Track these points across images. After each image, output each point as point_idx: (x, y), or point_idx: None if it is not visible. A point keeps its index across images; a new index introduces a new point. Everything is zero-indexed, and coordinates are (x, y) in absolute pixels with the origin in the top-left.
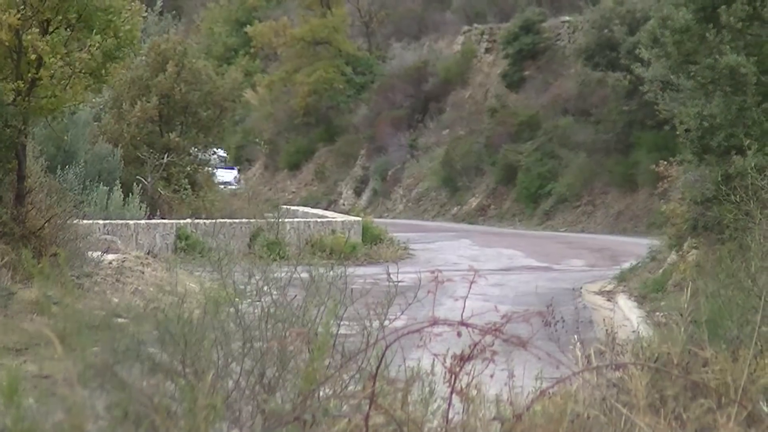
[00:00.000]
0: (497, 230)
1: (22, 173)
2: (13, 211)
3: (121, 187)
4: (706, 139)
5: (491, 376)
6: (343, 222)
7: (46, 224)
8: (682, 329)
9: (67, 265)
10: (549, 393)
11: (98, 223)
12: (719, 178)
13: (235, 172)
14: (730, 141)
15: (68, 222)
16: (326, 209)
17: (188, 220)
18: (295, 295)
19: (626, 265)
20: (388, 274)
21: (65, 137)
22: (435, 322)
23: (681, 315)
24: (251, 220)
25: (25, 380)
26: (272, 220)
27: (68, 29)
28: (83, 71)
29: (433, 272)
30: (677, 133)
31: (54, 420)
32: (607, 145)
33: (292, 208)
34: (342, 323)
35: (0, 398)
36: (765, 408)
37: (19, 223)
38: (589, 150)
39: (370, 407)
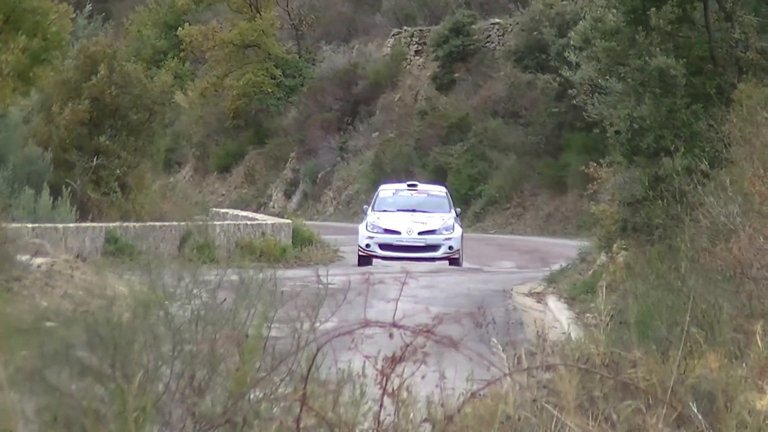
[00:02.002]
0: None
1: None
2: None
3: (50, 191)
4: (636, 140)
5: (422, 377)
6: (273, 224)
7: None
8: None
9: None
10: (480, 394)
11: (27, 227)
12: (648, 180)
13: None
14: (660, 143)
15: None
16: (256, 212)
17: (118, 224)
18: (225, 298)
19: (556, 267)
20: (318, 277)
21: None
22: (366, 324)
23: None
24: (181, 223)
25: None
26: (202, 223)
27: None
28: (10, 73)
29: (363, 274)
30: (607, 135)
31: None
32: (537, 147)
33: (222, 210)
34: (272, 325)
35: None
36: (694, 408)
37: None
38: (519, 152)
39: (301, 409)
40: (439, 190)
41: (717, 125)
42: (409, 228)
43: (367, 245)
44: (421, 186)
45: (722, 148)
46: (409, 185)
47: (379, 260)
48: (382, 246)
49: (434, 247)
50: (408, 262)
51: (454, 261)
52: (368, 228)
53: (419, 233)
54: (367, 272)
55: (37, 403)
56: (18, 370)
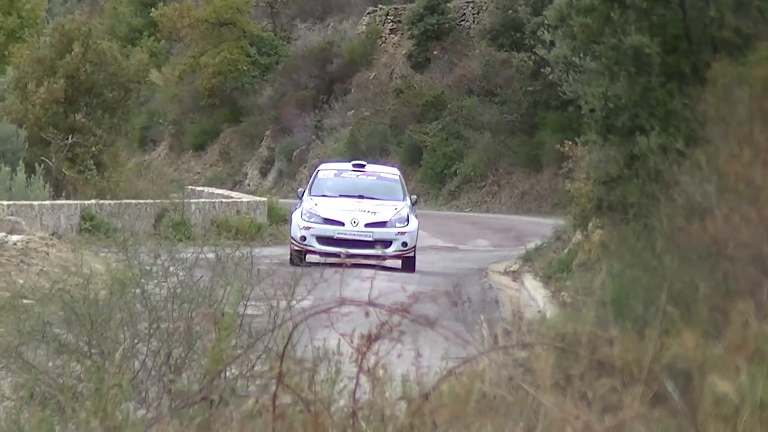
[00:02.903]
0: None
1: None
2: None
3: (25, 168)
4: (611, 119)
5: (398, 356)
6: (248, 202)
7: None
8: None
9: None
10: (456, 373)
11: (2, 204)
12: (623, 159)
13: None
14: (635, 121)
15: None
16: (232, 190)
17: (93, 201)
18: (201, 276)
19: (531, 245)
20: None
21: None
22: (342, 303)
23: (587, 294)
24: (157, 201)
25: None
26: (177, 200)
27: None
28: None
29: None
30: (582, 113)
31: None
32: (512, 125)
33: (198, 188)
34: (248, 303)
35: None
36: (670, 387)
37: None
38: (494, 130)
39: (277, 387)
40: (392, 173)
41: (692, 104)
42: (354, 218)
43: (303, 237)
44: (369, 167)
45: (698, 126)
46: (354, 165)
47: (315, 256)
48: (321, 239)
49: (385, 243)
50: (352, 259)
51: (407, 261)
52: (303, 216)
53: (366, 225)
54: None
55: (14, 380)
56: None
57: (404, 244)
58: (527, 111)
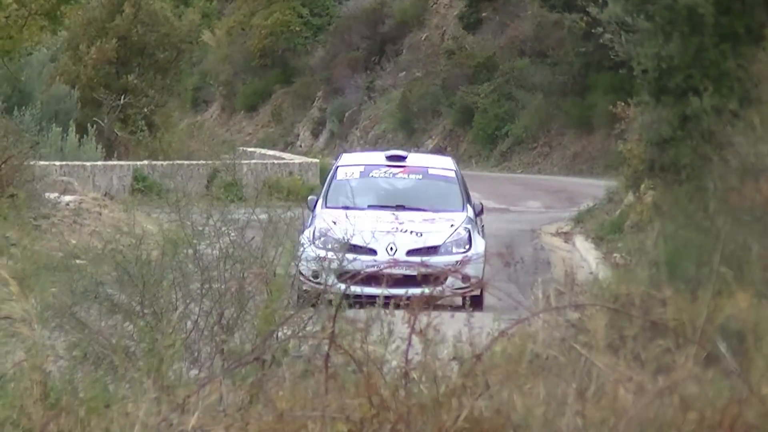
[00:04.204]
0: None
1: None
2: None
3: (77, 129)
4: (663, 80)
5: (451, 316)
6: (300, 164)
7: (2, 165)
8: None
9: (25, 207)
10: (508, 334)
11: (55, 165)
12: (676, 120)
13: None
14: (688, 82)
15: (25, 163)
16: (283, 151)
17: (145, 162)
18: (253, 237)
19: (583, 207)
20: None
21: (21, 78)
22: (394, 264)
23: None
24: (208, 162)
25: None
26: (229, 161)
27: None
28: (38, 13)
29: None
30: (634, 74)
31: (14, 360)
32: (564, 86)
33: (249, 149)
34: (300, 264)
35: None
36: (723, 348)
37: None
38: (546, 92)
39: (329, 347)
40: (445, 167)
41: (746, 65)
42: (390, 243)
43: (315, 274)
44: (412, 158)
45: (752, 87)
46: (390, 158)
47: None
48: (343, 276)
49: (437, 280)
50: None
51: (474, 300)
52: (316, 241)
53: (409, 253)
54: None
55: (68, 339)
56: (48, 307)
57: (466, 278)
58: (579, 72)
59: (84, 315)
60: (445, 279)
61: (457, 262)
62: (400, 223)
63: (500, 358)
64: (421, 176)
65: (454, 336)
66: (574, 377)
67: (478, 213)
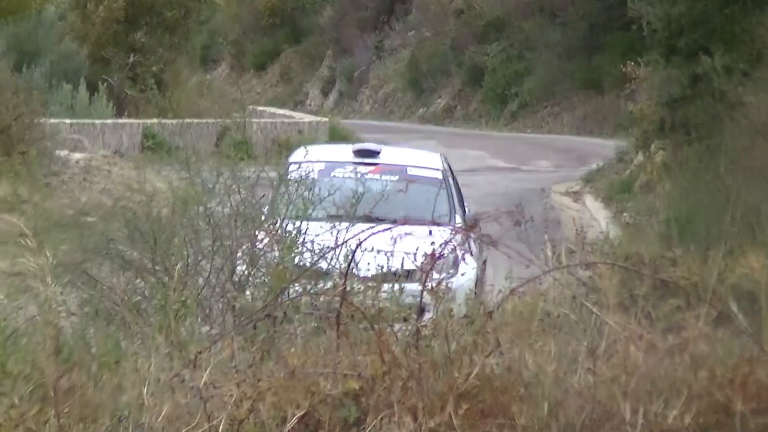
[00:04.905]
0: (463, 131)
1: None
2: None
3: (86, 87)
4: (673, 40)
5: (462, 274)
6: (309, 122)
7: (13, 123)
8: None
9: (36, 164)
10: (519, 292)
11: (65, 123)
12: (687, 79)
13: None
14: (698, 42)
15: (35, 121)
16: (293, 110)
17: (155, 120)
18: (264, 195)
19: (593, 167)
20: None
21: (30, 36)
22: (405, 221)
23: (650, 215)
24: (218, 120)
25: None
26: (239, 120)
27: None
28: None
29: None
30: (644, 34)
31: (27, 315)
32: (574, 47)
33: (259, 108)
34: (311, 222)
35: None
36: (734, 308)
37: None
38: (556, 52)
39: (341, 305)
40: (430, 166)
41: (754, 27)
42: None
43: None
44: (387, 154)
45: (763, 47)
46: (358, 153)
47: None
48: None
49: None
50: None
51: None
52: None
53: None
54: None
55: (79, 296)
56: (59, 264)
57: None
58: (588, 33)
59: (95, 271)
60: (422, 312)
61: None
62: (370, 240)
63: (511, 316)
64: (397, 177)
65: (465, 294)
66: (585, 335)
67: (473, 224)
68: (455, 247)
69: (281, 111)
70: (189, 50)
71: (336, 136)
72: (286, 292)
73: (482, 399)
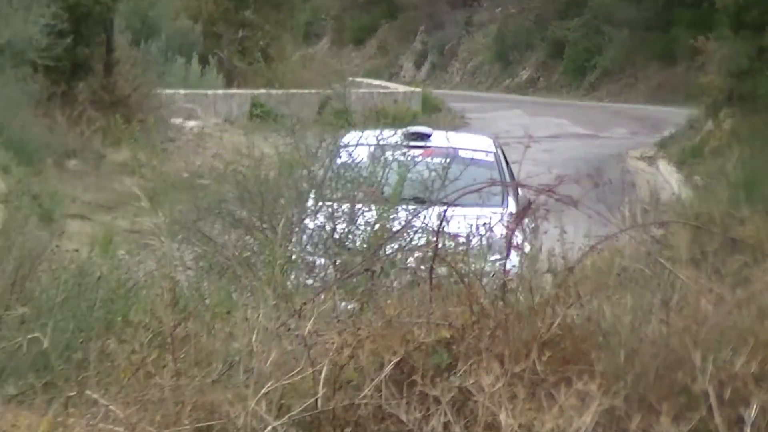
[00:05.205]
0: (546, 101)
1: (111, 46)
2: (102, 81)
3: (199, 60)
4: (742, 15)
5: (545, 233)
6: (404, 92)
7: (132, 93)
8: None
9: (154, 131)
10: (598, 248)
11: (179, 93)
12: (754, 52)
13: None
14: (764, 17)
15: (152, 91)
16: (388, 81)
17: (262, 90)
18: (362, 158)
19: (666, 133)
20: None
21: (148, 13)
22: (492, 183)
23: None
24: (320, 90)
25: (118, 234)
26: (339, 90)
27: None
28: None
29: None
30: (714, 9)
31: (146, 270)
32: (649, 21)
33: (357, 79)
34: (406, 184)
35: (97, 250)
36: None
37: (109, 91)
38: (632, 26)
39: (433, 260)
40: (482, 149)
41: None
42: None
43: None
44: (438, 137)
45: None
46: (410, 136)
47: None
48: None
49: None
50: None
51: None
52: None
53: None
54: (494, 135)
55: (194, 251)
56: (176, 222)
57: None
58: (663, 8)
59: (208, 229)
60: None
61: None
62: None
63: (590, 270)
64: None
65: (548, 250)
66: (658, 288)
67: (527, 207)
68: (511, 231)
69: (378, 82)
70: (293, 26)
71: (428, 105)
72: (383, 249)
73: (563, 347)
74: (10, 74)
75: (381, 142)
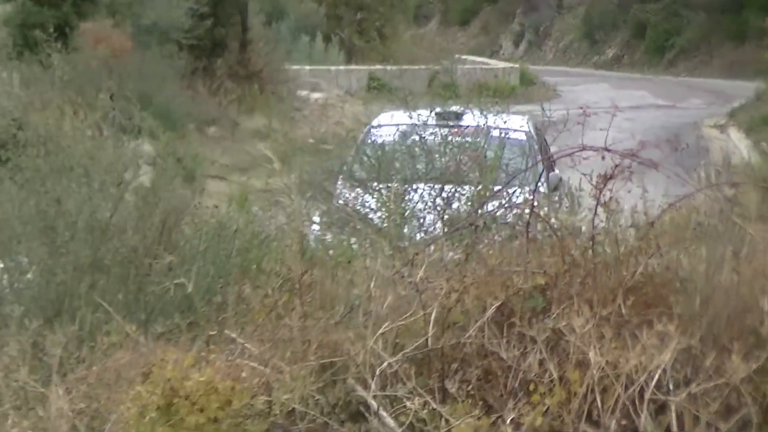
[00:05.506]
0: (629, 76)
1: (245, 26)
2: (238, 57)
3: (322, 39)
4: None
5: (629, 192)
6: (503, 68)
7: (264, 68)
8: None
9: (285, 101)
10: (676, 206)
11: (305, 68)
12: None
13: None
14: None
15: (281, 66)
16: (489, 58)
17: (378, 66)
18: (468, 125)
19: (736, 104)
20: (543, 110)
21: None
22: (583, 148)
23: None
24: (429, 66)
25: (252, 192)
26: (447, 66)
27: None
28: None
29: (580, 108)
30: None
31: (277, 224)
32: (723, 5)
33: (462, 57)
34: (505, 148)
35: (234, 206)
36: None
37: (243, 66)
38: (707, 9)
39: (530, 216)
40: (516, 127)
41: None
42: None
43: None
44: (469, 116)
45: None
46: (440, 115)
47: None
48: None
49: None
50: None
51: None
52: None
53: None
54: (583, 106)
55: (320, 208)
56: (303, 182)
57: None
58: None
59: (331, 188)
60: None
61: None
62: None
63: (669, 225)
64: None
65: (631, 208)
66: (730, 242)
67: (555, 188)
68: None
69: (480, 59)
70: (405, 9)
71: (525, 79)
72: (485, 206)
73: (645, 292)
74: (156, 51)
75: (412, 124)
